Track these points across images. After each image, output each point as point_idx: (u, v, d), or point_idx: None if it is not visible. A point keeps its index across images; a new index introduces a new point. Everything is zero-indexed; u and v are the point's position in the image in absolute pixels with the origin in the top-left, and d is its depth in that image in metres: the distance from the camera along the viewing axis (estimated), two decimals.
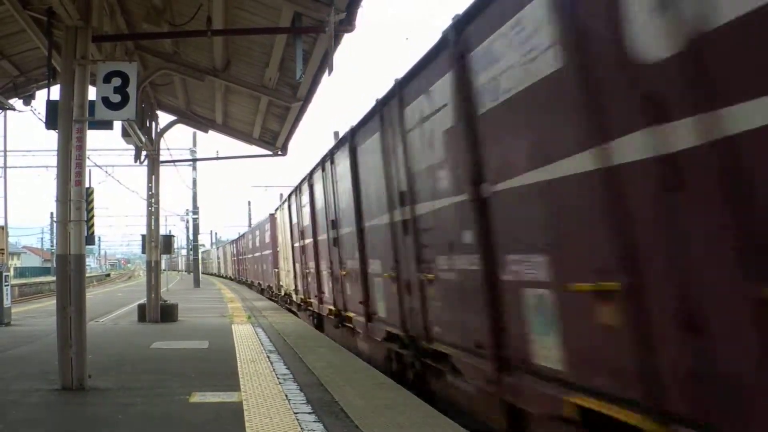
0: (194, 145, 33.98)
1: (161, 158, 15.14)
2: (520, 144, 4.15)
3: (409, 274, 6.52)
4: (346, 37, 7.75)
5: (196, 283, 36.91)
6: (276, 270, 21.56)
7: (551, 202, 3.79)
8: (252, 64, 10.54)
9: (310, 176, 12.35)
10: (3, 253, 14.62)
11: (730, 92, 2.49)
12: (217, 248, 68.09)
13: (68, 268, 6.63)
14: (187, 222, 43.24)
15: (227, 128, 15.23)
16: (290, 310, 17.93)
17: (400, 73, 6.25)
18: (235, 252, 43.81)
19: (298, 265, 15.39)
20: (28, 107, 12.31)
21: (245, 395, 6.10)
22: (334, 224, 10.14)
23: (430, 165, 5.68)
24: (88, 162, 7.55)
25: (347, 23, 7.37)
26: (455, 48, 4.84)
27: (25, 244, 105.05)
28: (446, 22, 5.00)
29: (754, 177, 2.44)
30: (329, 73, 8.07)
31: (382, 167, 7.07)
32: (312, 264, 12.91)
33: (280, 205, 19.18)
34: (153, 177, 14.65)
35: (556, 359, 3.86)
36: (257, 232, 28.52)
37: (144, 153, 14.25)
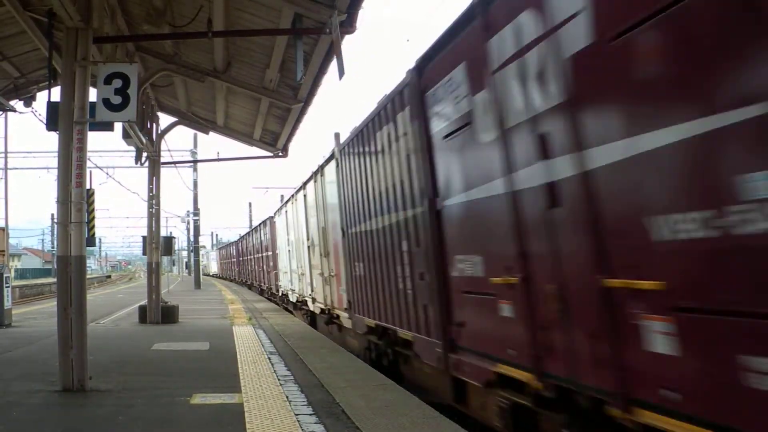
0: (195, 146, 34.13)
1: (162, 160, 15.16)
2: None
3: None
4: (347, 39, 7.76)
5: (197, 284, 36.95)
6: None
7: None
8: (253, 65, 10.55)
9: None
10: (3, 255, 14.62)
11: None
12: None
13: (69, 270, 6.63)
14: (188, 223, 43.24)
15: (228, 129, 15.25)
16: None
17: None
18: None
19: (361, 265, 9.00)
20: (29, 109, 12.32)
21: (246, 396, 6.10)
22: None
23: None
24: (88, 163, 7.55)
25: (348, 24, 7.38)
26: None
27: (26, 245, 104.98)
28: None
29: None
30: (340, 77, 7.83)
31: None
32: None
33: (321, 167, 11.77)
34: (154, 178, 14.67)
35: None
36: None
37: (145, 154, 14.26)
